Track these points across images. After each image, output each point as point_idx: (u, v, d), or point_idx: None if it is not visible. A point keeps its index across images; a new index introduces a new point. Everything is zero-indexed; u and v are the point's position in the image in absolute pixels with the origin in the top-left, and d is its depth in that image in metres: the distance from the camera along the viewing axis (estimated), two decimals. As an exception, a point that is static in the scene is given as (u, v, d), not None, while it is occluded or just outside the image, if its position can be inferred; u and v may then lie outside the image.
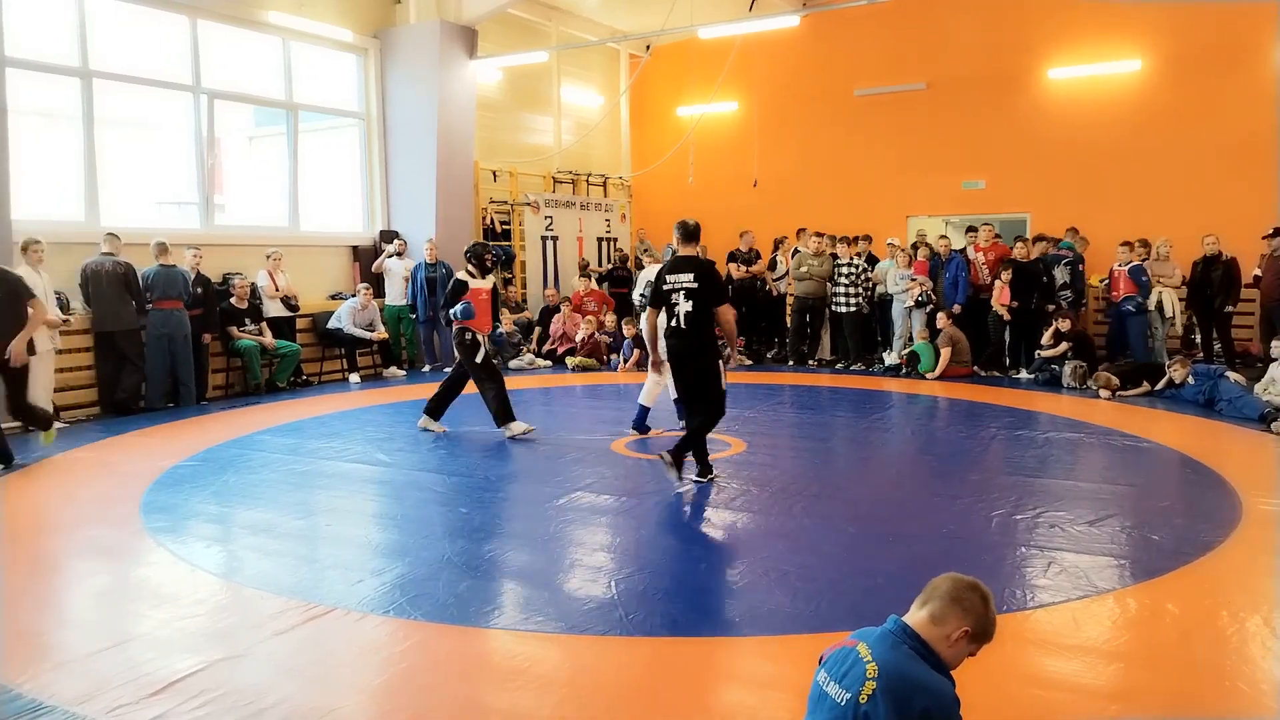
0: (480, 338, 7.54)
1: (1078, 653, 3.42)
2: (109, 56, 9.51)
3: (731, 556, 4.65)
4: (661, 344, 6.41)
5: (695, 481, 5.92)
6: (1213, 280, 10.57)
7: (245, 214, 12.61)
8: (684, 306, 5.83)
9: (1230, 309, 10.60)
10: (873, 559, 4.52)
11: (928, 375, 10.66)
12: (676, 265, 5.96)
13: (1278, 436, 7.18)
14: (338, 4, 11.74)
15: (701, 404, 5.97)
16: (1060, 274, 11.00)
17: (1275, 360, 8.58)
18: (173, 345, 9.05)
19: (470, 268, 7.61)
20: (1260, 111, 11.78)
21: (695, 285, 5.82)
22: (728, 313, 6.06)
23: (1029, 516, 5.13)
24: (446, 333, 11.98)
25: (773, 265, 12.84)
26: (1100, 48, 12.81)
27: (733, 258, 12.86)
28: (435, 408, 7.82)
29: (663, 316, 6.15)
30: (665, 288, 5.94)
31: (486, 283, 7.70)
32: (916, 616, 2.26)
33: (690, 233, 6.04)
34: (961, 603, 2.23)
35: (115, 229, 9.00)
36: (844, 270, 11.58)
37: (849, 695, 2.13)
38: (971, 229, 11.93)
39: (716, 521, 5.21)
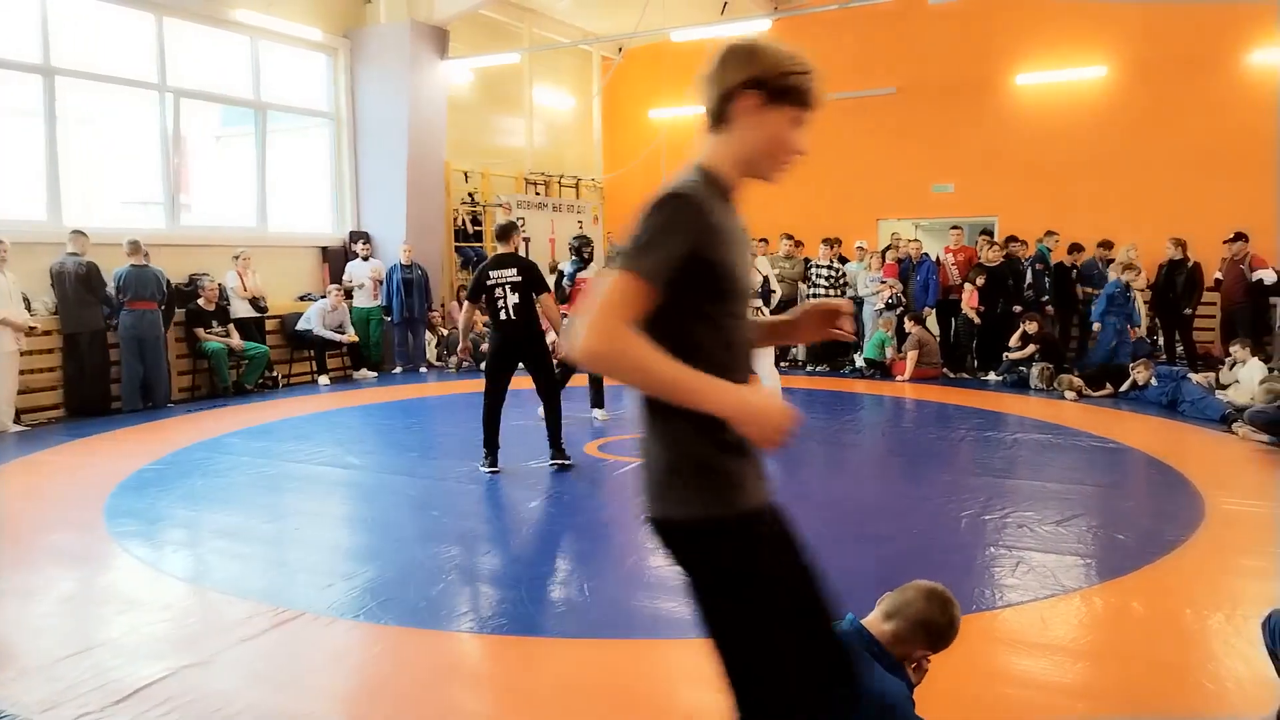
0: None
1: (1045, 651, 3.46)
2: (72, 53, 9.36)
3: (704, 558, 4.65)
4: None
5: (552, 465, 6.34)
6: (1176, 283, 10.75)
7: (212, 214, 12.46)
8: (510, 299, 6.28)
9: (1189, 311, 10.79)
10: (844, 559, 4.53)
11: (891, 370, 10.76)
12: (500, 261, 6.39)
13: (1239, 437, 7.31)
14: (307, 3, 11.64)
15: (544, 389, 6.47)
16: (1029, 277, 11.16)
17: (1237, 363, 8.74)
18: (143, 347, 8.94)
19: (575, 260, 8.45)
20: (1223, 117, 12.00)
21: (519, 278, 6.28)
22: (549, 301, 6.45)
23: (998, 516, 5.19)
24: (420, 334, 11.97)
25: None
26: (1067, 54, 13.00)
27: None
28: (596, 398, 8.30)
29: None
30: (489, 283, 6.35)
31: (589, 272, 8.40)
32: (880, 628, 2.25)
33: (502, 232, 6.55)
34: (932, 632, 2.23)
35: (79, 229, 8.86)
36: (822, 273, 11.64)
37: None
38: (956, 228, 11.99)
39: (689, 523, 5.21)
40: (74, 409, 8.69)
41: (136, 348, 8.90)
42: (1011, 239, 11.57)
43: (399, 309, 11.62)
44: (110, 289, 8.87)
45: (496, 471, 6.29)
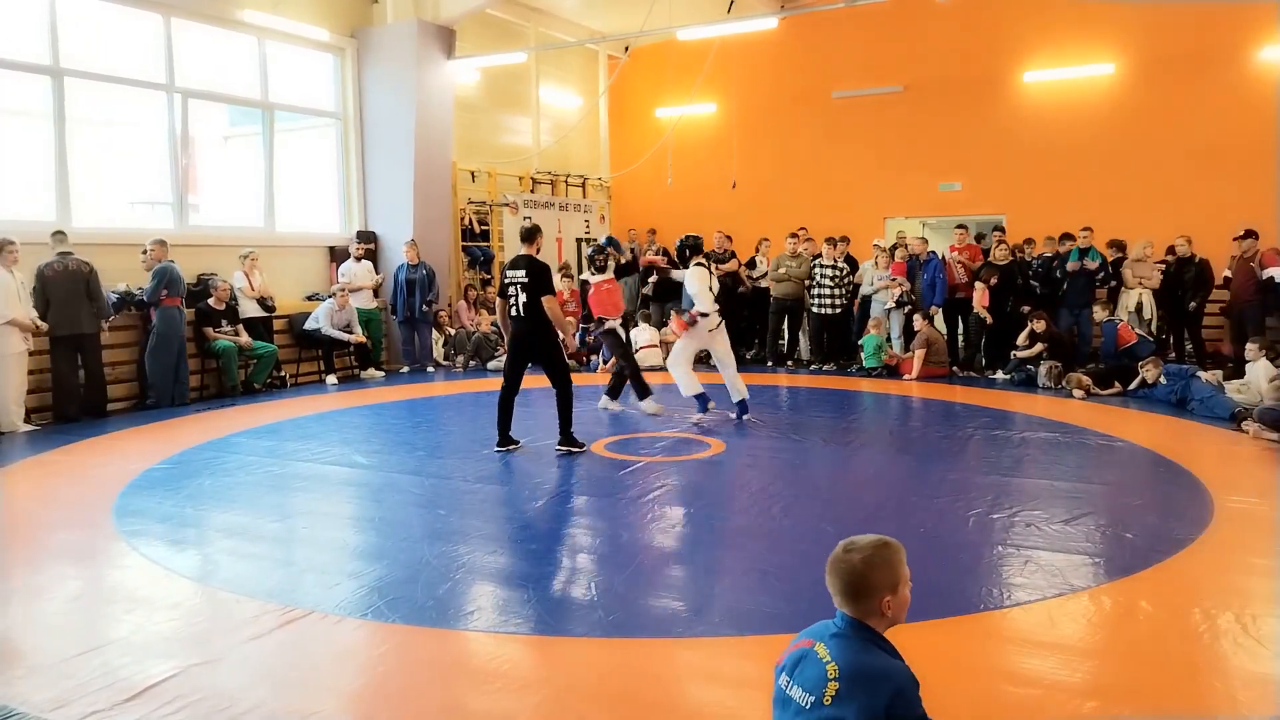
0: (613, 323, 8.72)
1: (1053, 650, 3.45)
2: (81, 54, 9.39)
3: (711, 557, 4.66)
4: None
5: (557, 452, 6.77)
6: (1184, 281, 10.70)
7: (220, 214, 12.50)
8: (520, 298, 6.72)
9: (1194, 306, 10.72)
10: (851, 558, 4.53)
11: (899, 369, 10.74)
12: (514, 263, 6.88)
13: (1248, 435, 7.28)
14: (314, 3, 11.66)
15: (555, 382, 6.88)
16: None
17: (1249, 361, 8.70)
18: (176, 343, 9.11)
19: (591, 269, 8.89)
20: (1231, 114, 11.96)
21: (526, 280, 6.70)
22: (550, 303, 6.77)
23: (1005, 515, 5.17)
24: (425, 333, 11.99)
25: (752, 264, 12.88)
26: (1074, 51, 12.97)
27: (707, 257, 12.90)
28: (641, 389, 8.51)
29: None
30: (505, 282, 6.88)
31: (605, 276, 8.78)
32: (856, 615, 2.25)
33: (525, 234, 7.00)
34: (860, 589, 2.20)
35: (86, 229, 8.88)
36: (828, 272, 11.61)
37: (813, 698, 2.13)
38: (961, 226, 11.92)
39: (695, 522, 5.22)
40: (63, 415, 8.48)
41: (172, 344, 9.06)
42: (1067, 236, 11.16)
43: (402, 308, 11.68)
44: (150, 285, 8.96)
45: (504, 451, 6.87)
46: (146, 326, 9.18)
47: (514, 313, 6.80)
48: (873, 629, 2.22)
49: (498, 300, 7.19)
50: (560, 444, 6.85)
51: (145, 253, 9.12)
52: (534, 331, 6.77)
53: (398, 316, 11.78)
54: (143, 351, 9.18)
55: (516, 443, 7.01)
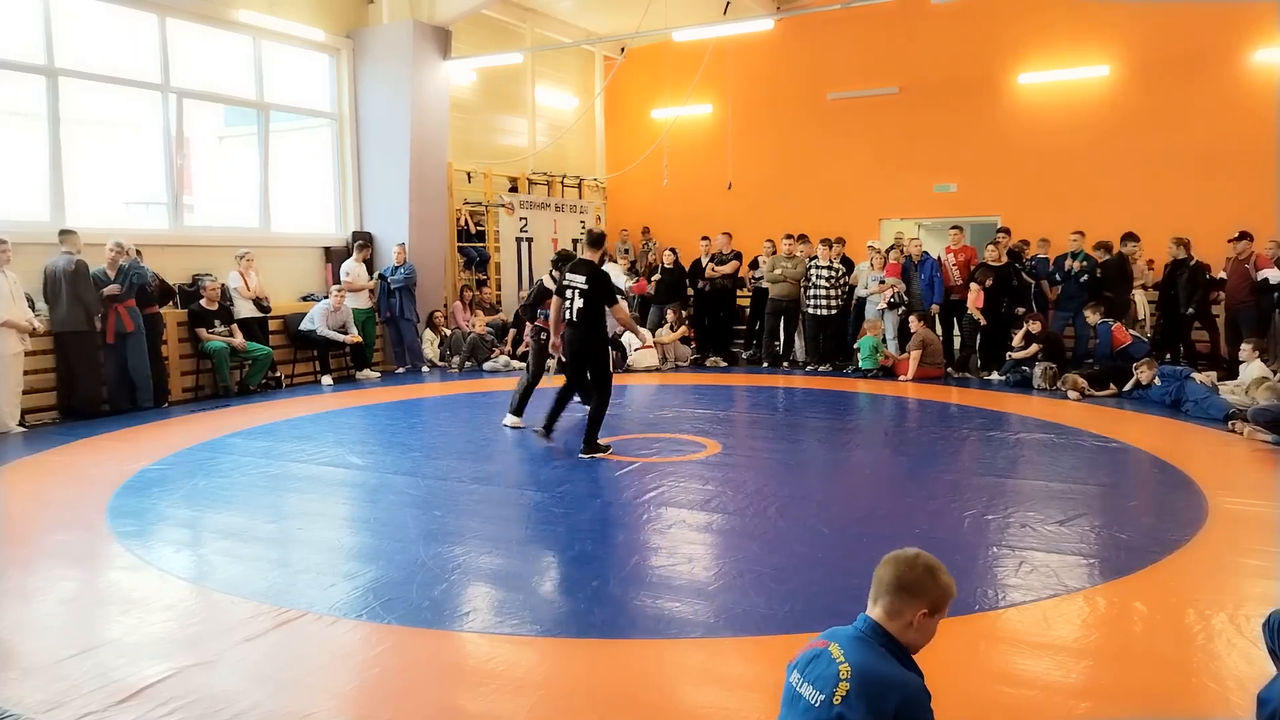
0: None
1: (1048, 651, 3.46)
2: (75, 54, 9.37)
3: (706, 558, 4.66)
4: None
5: (582, 456, 6.78)
6: (1176, 283, 10.72)
7: (215, 214, 12.48)
8: (577, 303, 6.81)
9: (1188, 311, 10.73)
10: (847, 560, 4.55)
11: (894, 370, 10.75)
12: (575, 267, 6.97)
13: (1242, 436, 7.30)
14: (310, 3, 11.64)
15: (595, 388, 7.01)
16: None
17: (1244, 362, 8.73)
18: (145, 343, 9.05)
19: (554, 273, 8.03)
20: (1227, 116, 11.98)
21: (586, 286, 6.78)
22: (618, 311, 7.01)
23: (1000, 516, 5.18)
24: (410, 333, 11.97)
25: (754, 265, 12.88)
26: (1069, 54, 12.99)
27: (710, 259, 12.94)
28: (521, 404, 8.13)
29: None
30: (565, 284, 6.99)
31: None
32: (875, 613, 2.26)
33: (592, 239, 7.12)
34: (909, 588, 2.22)
35: (81, 229, 8.86)
36: (823, 274, 11.62)
37: (823, 697, 2.14)
38: (956, 228, 11.94)
39: (691, 523, 5.22)
40: (77, 411, 8.59)
41: (144, 343, 9.01)
42: (1094, 235, 11.20)
43: (384, 309, 11.76)
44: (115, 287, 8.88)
45: (543, 434, 7.28)
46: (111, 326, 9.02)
47: (569, 316, 6.93)
48: (894, 638, 2.22)
49: (554, 298, 7.40)
50: (584, 451, 6.82)
51: (124, 251, 8.95)
52: (588, 336, 6.90)
53: (380, 316, 11.85)
54: (122, 353, 8.95)
55: (549, 434, 7.30)
